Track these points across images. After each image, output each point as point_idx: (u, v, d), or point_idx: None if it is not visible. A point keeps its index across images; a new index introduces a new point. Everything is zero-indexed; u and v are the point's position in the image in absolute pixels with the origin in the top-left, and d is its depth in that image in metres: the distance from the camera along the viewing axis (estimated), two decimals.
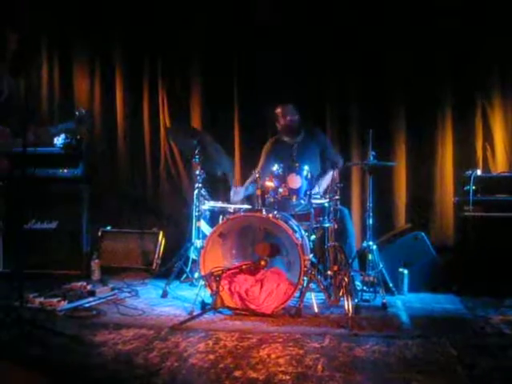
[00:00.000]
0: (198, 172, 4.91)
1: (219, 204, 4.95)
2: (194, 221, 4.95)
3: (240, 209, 4.70)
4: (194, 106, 6.26)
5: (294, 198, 4.39)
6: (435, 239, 5.40)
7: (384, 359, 3.05)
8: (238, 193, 5.10)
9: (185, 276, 5.19)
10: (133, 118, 6.44)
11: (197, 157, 4.92)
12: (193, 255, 5.03)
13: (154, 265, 5.82)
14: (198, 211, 4.86)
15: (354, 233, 5.23)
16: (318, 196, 4.70)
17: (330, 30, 5.75)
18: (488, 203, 4.83)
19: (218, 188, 5.83)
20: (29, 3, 5.97)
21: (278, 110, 5.29)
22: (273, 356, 3.08)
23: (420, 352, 3.18)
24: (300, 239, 4.21)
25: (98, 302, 4.42)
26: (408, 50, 5.59)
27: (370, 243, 4.64)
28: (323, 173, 5.16)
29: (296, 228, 4.39)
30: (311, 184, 4.49)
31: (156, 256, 5.85)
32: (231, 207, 4.79)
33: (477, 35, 5.45)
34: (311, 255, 4.46)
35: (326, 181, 5.06)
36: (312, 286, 4.20)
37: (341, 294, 4.03)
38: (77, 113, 4.68)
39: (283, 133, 5.31)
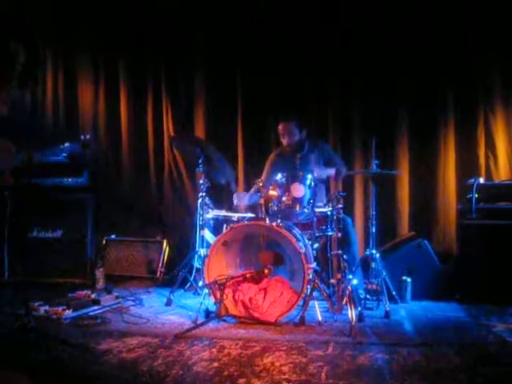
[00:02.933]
0: (201, 181, 4.93)
1: (223, 213, 4.96)
2: (197, 229, 4.97)
3: (244, 217, 4.72)
4: (198, 115, 6.30)
5: (298, 207, 4.40)
6: (438, 247, 5.41)
7: (387, 367, 3.06)
8: (240, 198, 5.08)
9: (189, 284, 5.21)
10: (137, 127, 6.49)
11: (200, 166, 4.94)
12: (197, 264, 5.05)
13: (158, 273, 5.84)
14: (202, 220, 4.88)
15: (357, 241, 5.24)
16: (320, 204, 4.73)
17: (333, 35, 5.79)
18: (491, 211, 4.83)
19: (221, 197, 5.86)
20: (31, 15, 6.04)
21: (279, 127, 5.28)
22: (276, 364, 3.10)
23: (423, 360, 3.19)
24: (303, 248, 4.22)
25: (102, 310, 4.44)
26: (410, 58, 5.62)
27: (373, 251, 4.64)
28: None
29: (299, 237, 4.41)
30: (314, 192, 4.50)
31: (160, 264, 5.87)
32: (235, 216, 4.80)
33: (478, 42, 5.48)
34: (314, 264, 4.47)
35: (329, 172, 5.07)
36: (315, 294, 4.22)
37: (344, 302, 4.03)
38: (82, 137, 4.72)
39: (287, 148, 5.31)
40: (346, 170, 5.28)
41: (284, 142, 5.27)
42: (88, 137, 4.52)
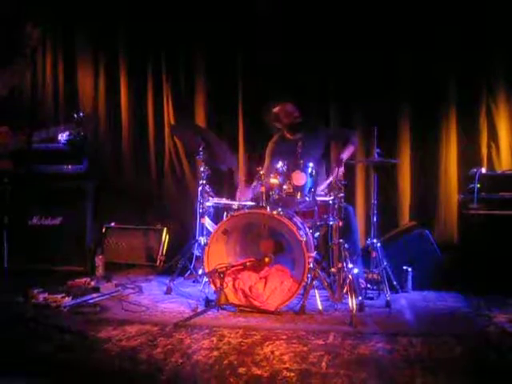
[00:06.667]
0: (202, 168, 4.91)
1: (223, 201, 4.94)
2: (198, 217, 4.95)
3: (244, 206, 4.69)
4: (199, 102, 6.27)
5: (299, 195, 4.37)
6: (439, 237, 5.39)
7: (388, 357, 3.05)
8: (244, 194, 5.05)
9: (189, 272, 5.20)
10: (137, 115, 6.45)
11: (201, 153, 4.91)
12: (197, 252, 5.03)
13: (158, 261, 5.83)
14: (202, 208, 4.86)
15: (358, 230, 5.23)
16: (322, 193, 4.71)
17: (334, 26, 5.74)
18: (493, 201, 4.80)
19: (222, 184, 5.83)
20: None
21: (278, 109, 5.23)
22: (277, 353, 3.08)
23: (424, 350, 3.18)
24: (304, 236, 4.20)
25: (102, 298, 4.43)
26: (411, 47, 5.58)
27: (375, 241, 4.63)
28: (326, 175, 5.13)
29: (300, 225, 4.39)
30: (315, 181, 4.47)
31: (160, 252, 5.86)
32: (235, 204, 4.78)
33: (480, 31, 5.43)
34: (315, 252, 4.46)
35: (348, 153, 5.06)
36: (316, 283, 4.20)
37: (345, 291, 4.03)
38: (75, 116, 4.69)
39: (288, 131, 5.26)
40: (356, 136, 5.31)
41: (289, 120, 5.20)
42: (82, 114, 4.49)
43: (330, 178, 4.95)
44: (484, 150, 5.48)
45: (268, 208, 4.30)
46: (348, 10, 5.71)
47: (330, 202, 4.40)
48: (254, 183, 4.94)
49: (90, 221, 5.56)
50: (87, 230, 5.53)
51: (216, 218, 5.02)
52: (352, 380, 2.68)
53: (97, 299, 4.37)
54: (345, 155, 5.00)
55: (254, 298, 4.10)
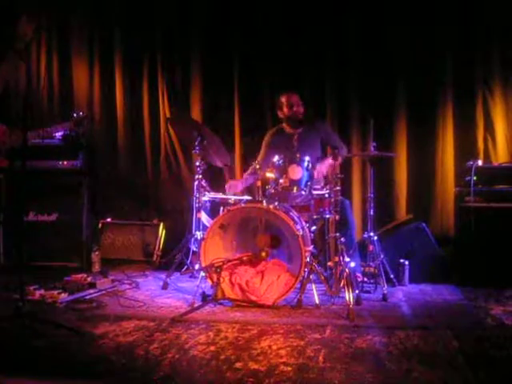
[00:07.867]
0: (198, 163, 4.89)
1: (220, 195, 4.93)
2: (194, 212, 4.93)
3: (241, 200, 4.68)
4: (194, 96, 6.25)
5: (295, 189, 4.36)
6: (436, 230, 5.41)
7: (385, 350, 3.04)
8: (233, 186, 5.04)
9: (185, 268, 5.18)
10: (133, 109, 6.44)
11: (197, 148, 4.89)
12: (193, 247, 5.01)
13: (155, 256, 5.82)
14: (199, 202, 4.84)
15: (355, 224, 5.22)
16: (317, 184, 4.69)
17: (332, 19, 5.77)
18: (489, 194, 4.82)
19: (218, 179, 5.82)
20: None
21: (283, 99, 5.18)
22: (274, 347, 3.07)
23: (421, 343, 3.17)
24: (301, 230, 4.19)
25: (98, 293, 4.41)
26: (408, 40, 5.58)
27: (371, 234, 4.62)
28: (322, 159, 5.10)
29: (297, 219, 4.37)
30: (312, 175, 4.46)
31: (156, 248, 5.86)
32: (232, 199, 4.76)
33: (477, 22, 5.44)
34: (312, 246, 4.45)
35: (325, 167, 5.00)
36: (313, 277, 4.20)
37: (341, 285, 4.02)
38: (74, 115, 4.66)
39: (287, 122, 5.25)
40: (345, 149, 5.24)
41: (289, 112, 5.16)
42: (81, 114, 4.48)
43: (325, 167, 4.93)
44: (480, 143, 5.50)
45: (264, 202, 4.28)
46: (344, 4, 5.72)
47: (326, 195, 4.39)
48: (245, 175, 4.91)
49: (86, 216, 5.55)
50: (83, 225, 5.52)
51: (212, 213, 5.00)
52: (349, 374, 2.67)
53: (93, 295, 4.36)
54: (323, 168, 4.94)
55: (251, 293, 4.09)
